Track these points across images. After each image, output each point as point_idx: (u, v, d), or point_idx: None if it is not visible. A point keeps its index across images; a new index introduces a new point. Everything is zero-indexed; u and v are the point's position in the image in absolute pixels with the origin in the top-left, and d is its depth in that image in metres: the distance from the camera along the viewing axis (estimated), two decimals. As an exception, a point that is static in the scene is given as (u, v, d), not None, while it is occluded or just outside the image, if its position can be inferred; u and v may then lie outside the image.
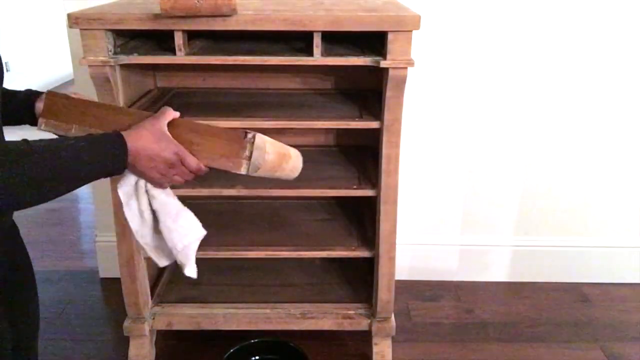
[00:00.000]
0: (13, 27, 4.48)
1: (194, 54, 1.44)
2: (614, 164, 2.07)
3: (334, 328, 1.74)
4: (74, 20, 1.34)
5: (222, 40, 1.59)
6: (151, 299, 1.75)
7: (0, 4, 4.40)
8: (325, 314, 1.74)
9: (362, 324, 1.73)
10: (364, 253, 1.67)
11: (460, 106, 1.99)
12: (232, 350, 1.63)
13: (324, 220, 1.84)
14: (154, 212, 1.03)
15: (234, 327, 1.73)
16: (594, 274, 2.22)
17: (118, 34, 1.42)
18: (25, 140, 0.79)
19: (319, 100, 1.73)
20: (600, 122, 2.01)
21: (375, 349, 1.74)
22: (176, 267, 1.92)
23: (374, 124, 1.52)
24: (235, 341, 1.66)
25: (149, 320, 1.71)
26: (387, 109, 1.47)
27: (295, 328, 1.73)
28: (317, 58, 1.41)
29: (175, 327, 1.74)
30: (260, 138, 0.99)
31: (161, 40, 1.50)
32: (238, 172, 0.99)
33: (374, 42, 1.47)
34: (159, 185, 1.00)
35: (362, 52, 1.46)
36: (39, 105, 1.04)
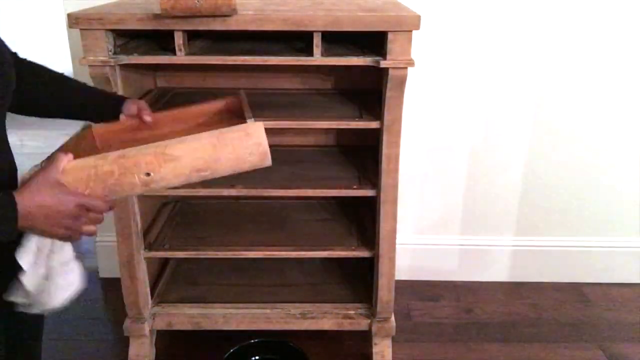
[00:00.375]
0: (13, 27, 4.48)
1: (194, 54, 1.44)
2: (614, 164, 2.07)
3: (334, 328, 1.74)
4: (74, 20, 1.34)
5: (222, 40, 1.59)
6: (151, 299, 1.74)
7: (0, 4, 4.40)
8: (325, 314, 1.74)
9: (362, 324, 1.73)
10: (364, 253, 1.67)
11: (460, 106, 1.99)
12: (232, 350, 1.63)
13: (324, 220, 1.84)
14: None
15: (234, 327, 1.73)
16: (594, 274, 2.22)
17: (118, 34, 1.42)
18: None
19: (319, 100, 1.73)
20: (600, 122, 2.01)
21: (375, 349, 1.74)
22: (176, 267, 1.93)
23: (374, 124, 1.52)
24: (235, 341, 1.66)
25: (149, 320, 1.71)
26: (387, 109, 1.47)
27: (295, 328, 1.73)
28: (317, 58, 1.41)
29: (175, 327, 1.74)
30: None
31: (161, 40, 1.51)
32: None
33: (374, 42, 1.47)
34: (67, 240, 0.90)
35: (362, 52, 1.47)
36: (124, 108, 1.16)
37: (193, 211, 1.89)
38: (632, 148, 2.05)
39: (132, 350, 1.73)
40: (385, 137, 1.50)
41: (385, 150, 1.51)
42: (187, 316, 1.73)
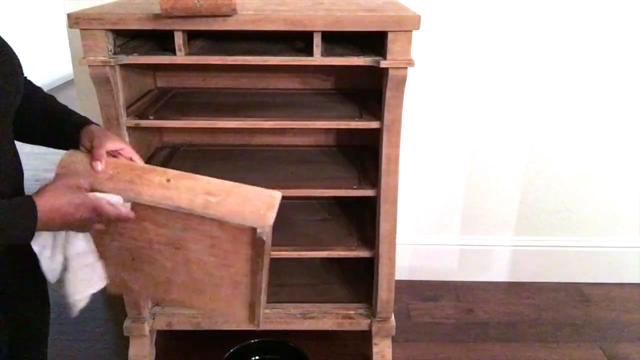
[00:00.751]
0: (13, 27, 4.48)
1: (194, 54, 1.44)
2: (614, 164, 2.07)
3: (334, 328, 1.74)
4: (74, 20, 1.34)
5: (222, 40, 1.59)
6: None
7: (0, 4, 4.40)
8: (325, 314, 1.74)
9: (362, 324, 1.73)
10: (364, 253, 1.67)
11: (460, 106, 1.99)
12: (232, 350, 1.63)
13: (324, 220, 1.84)
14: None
15: (234, 327, 1.73)
16: (594, 274, 2.22)
17: (118, 34, 1.42)
18: None
19: (319, 100, 1.73)
20: (600, 122, 2.01)
21: (375, 349, 1.74)
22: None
23: (374, 124, 1.52)
24: (235, 341, 1.67)
25: (149, 320, 1.71)
26: (387, 109, 1.47)
27: (295, 328, 1.73)
28: (317, 58, 1.41)
29: (175, 327, 1.74)
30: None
31: (161, 40, 1.51)
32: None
33: (374, 42, 1.47)
34: (80, 231, 0.96)
35: (362, 52, 1.46)
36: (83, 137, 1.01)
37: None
38: (632, 148, 2.05)
39: (132, 350, 1.73)
40: (385, 137, 1.50)
41: (385, 150, 1.51)
42: (187, 316, 1.73)
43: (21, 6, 4.69)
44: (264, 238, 1.00)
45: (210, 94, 1.79)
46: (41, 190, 0.87)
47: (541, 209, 2.14)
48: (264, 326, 1.73)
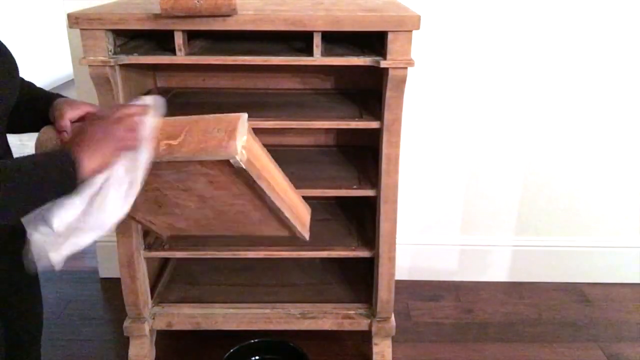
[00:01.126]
0: (13, 27, 4.48)
1: (194, 54, 1.44)
2: (614, 164, 2.07)
3: (334, 328, 1.74)
4: (74, 20, 1.34)
5: (222, 40, 1.59)
6: (151, 299, 1.75)
7: (0, 4, 4.40)
8: (325, 314, 1.74)
9: (362, 324, 1.73)
10: (363, 253, 1.67)
11: (460, 106, 1.99)
12: (232, 350, 1.63)
13: (324, 220, 1.84)
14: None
15: (234, 327, 1.73)
16: (594, 274, 2.22)
17: (118, 34, 1.42)
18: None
19: (319, 100, 1.73)
20: (600, 122, 2.01)
21: (375, 349, 1.74)
22: (176, 267, 1.93)
23: (374, 124, 1.52)
24: (235, 341, 1.67)
25: (149, 320, 1.71)
26: (387, 109, 1.47)
27: (295, 328, 1.73)
28: (317, 58, 1.41)
29: (175, 327, 1.74)
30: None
31: (161, 40, 1.50)
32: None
33: (374, 42, 1.47)
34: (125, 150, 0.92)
35: (362, 52, 1.46)
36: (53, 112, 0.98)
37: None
38: (632, 148, 2.05)
39: (132, 350, 1.73)
40: (385, 137, 1.50)
41: (385, 150, 1.51)
42: (187, 316, 1.73)
43: (21, 6, 4.69)
44: (242, 165, 0.94)
45: (210, 94, 1.79)
46: (79, 142, 0.87)
47: (541, 209, 2.14)
48: (264, 326, 1.74)
